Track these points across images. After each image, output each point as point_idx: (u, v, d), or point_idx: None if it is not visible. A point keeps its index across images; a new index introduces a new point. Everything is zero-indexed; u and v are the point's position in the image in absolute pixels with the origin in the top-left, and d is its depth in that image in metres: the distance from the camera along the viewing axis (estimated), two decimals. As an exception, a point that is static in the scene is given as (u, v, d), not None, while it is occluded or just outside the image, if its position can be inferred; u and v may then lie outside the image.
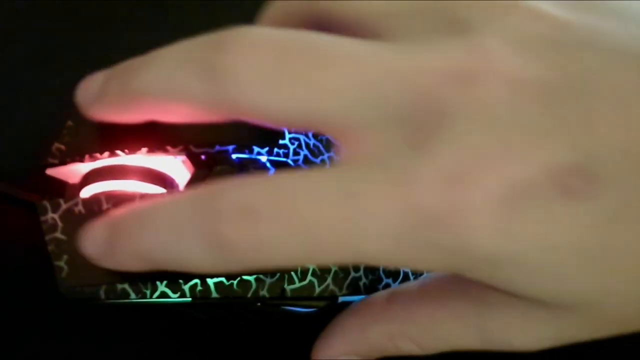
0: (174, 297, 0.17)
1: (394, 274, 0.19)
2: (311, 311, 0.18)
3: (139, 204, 0.15)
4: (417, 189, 0.12)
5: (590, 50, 0.13)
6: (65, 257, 0.17)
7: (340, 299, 0.18)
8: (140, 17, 0.16)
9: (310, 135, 0.18)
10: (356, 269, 0.18)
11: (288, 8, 0.17)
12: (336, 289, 0.17)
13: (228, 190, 0.14)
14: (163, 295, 0.17)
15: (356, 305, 0.17)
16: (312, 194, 0.13)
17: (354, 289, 0.17)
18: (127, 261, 0.15)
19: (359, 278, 0.18)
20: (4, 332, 0.19)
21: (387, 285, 0.18)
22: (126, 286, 0.17)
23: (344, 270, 0.17)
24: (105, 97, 0.16)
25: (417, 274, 0.19)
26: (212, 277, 0.17)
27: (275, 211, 0.13)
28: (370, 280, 0.18)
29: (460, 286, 0.15)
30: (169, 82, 0.15)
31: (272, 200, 0.13)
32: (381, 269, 0.18)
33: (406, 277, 0.19)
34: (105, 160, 0.17)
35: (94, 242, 0.15)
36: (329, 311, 0.18)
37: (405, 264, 0.14)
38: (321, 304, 0.18)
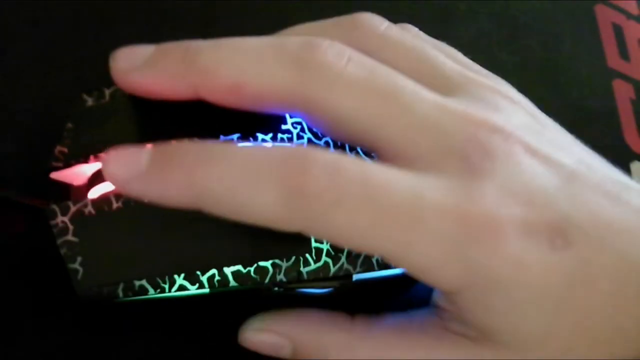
0: (193, 289, 0.17)
1: None
2: (327, 292, 0.18)
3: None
4: (468, 208, 0.15)
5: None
6: (79, 259, 0.17)
7: (355, 277, 0.18)
8: (141, 17, 0.16)
9: None
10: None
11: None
12: (350, 267, 0.17)
13: (316, 150, 0.15)
14: (181, 288, 0.17)
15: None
16: (389, 183, 0.15)
17: (368, 266, 0.18)
18: (174, 186, 0.15)
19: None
20: (5, 333, 0.19)
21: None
22: (144, 282, 0.17)
23: None
24: (159, 67, 0.16)
25: None
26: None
27: (357, 180, 0.14)
28: None
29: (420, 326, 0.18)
30: (255, 66, 0.16)
31: (356, 167, 0.15)
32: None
33: None
34: (109, 159, 0.17)
35: (132, 161, 0.15)
36: (344, 290, 0.18)
37: (433, 271, 0.15)
38: (336, 283, 0.18)
